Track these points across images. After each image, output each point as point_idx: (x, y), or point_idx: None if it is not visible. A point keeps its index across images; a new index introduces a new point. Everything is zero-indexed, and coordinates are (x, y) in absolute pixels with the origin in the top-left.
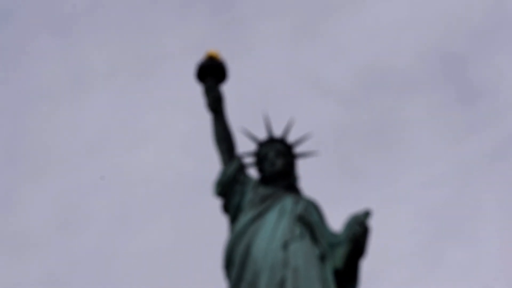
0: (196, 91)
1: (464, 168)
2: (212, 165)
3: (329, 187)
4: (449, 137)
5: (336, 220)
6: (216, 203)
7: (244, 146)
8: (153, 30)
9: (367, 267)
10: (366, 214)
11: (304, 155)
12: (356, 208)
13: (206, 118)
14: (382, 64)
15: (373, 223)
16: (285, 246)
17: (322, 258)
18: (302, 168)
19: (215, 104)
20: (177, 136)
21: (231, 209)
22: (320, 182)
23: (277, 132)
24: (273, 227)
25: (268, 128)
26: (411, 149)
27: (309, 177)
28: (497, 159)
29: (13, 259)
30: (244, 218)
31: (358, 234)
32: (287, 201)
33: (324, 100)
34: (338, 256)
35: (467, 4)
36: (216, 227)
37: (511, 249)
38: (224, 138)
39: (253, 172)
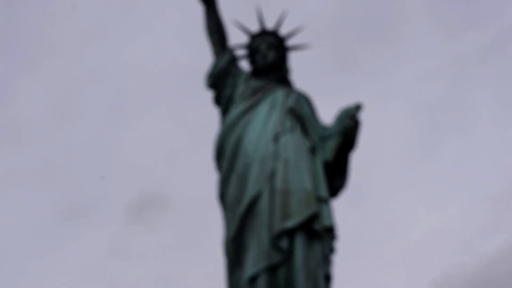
0: None
1: (460, 62)
2: (206, 56)
3: (324, 80)
4: (446, 31)
5: (330, 113)
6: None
7: (236, 39)
8: None
9: (360, 159)
10: (357, 108)
11: (296, 48)
12: (351, 101)
13: (200, 10)
14: None
15: (368, 116)
16: (275, 138)
17: (312, 150)
18: (297, 60)
19: None
20: (172, 27)
21: (223, 101)
22: (315, 74)
23: (270, 25)
24: (264, 120)
25: (261, 21)
26: (407, 43)
27: (304, 70)
28: (492, 53)
29: (9, 148)
30: (235, 110)
31: (348, 127)
32: (278, 94)
33: None
34: (328, 149)
35: None
36: (210, 117)
37: (504, 142)
38: (215, 29)
39: (245, 65)
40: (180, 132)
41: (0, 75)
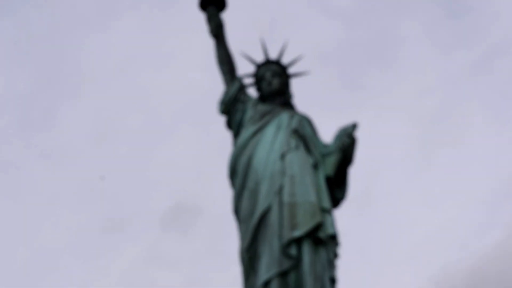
0: None
1: (453, 78)
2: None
3: (330, 99)
4: (439, 50)
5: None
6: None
7: (244, 68)
8: None
9: (365, 169)
10: (354, 126)
11: (298, 74)
12: (356, 117)
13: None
14: None
15: (371, 130)
16: (282, 156)
17: (315, 166)
18: (306, 82)
19: (217, 31)
20: (197, 57)
21: (234, 125)
22: (322, 95)
23: (274, 54)
24: (272, 140)
25: (265, 51)
26: (404, 62)
27: (312, 91)
28: (481, 68)
29: (54, 168)
30: (245, 132)
31: (346, 144)
32: (283, 117)
33: (326, 19)
34: (329, 165)
35: None
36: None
37: (495, 149)
38: (225, 60)
39: (252, 92)
40: (206, 153)
41: (46, 104)
